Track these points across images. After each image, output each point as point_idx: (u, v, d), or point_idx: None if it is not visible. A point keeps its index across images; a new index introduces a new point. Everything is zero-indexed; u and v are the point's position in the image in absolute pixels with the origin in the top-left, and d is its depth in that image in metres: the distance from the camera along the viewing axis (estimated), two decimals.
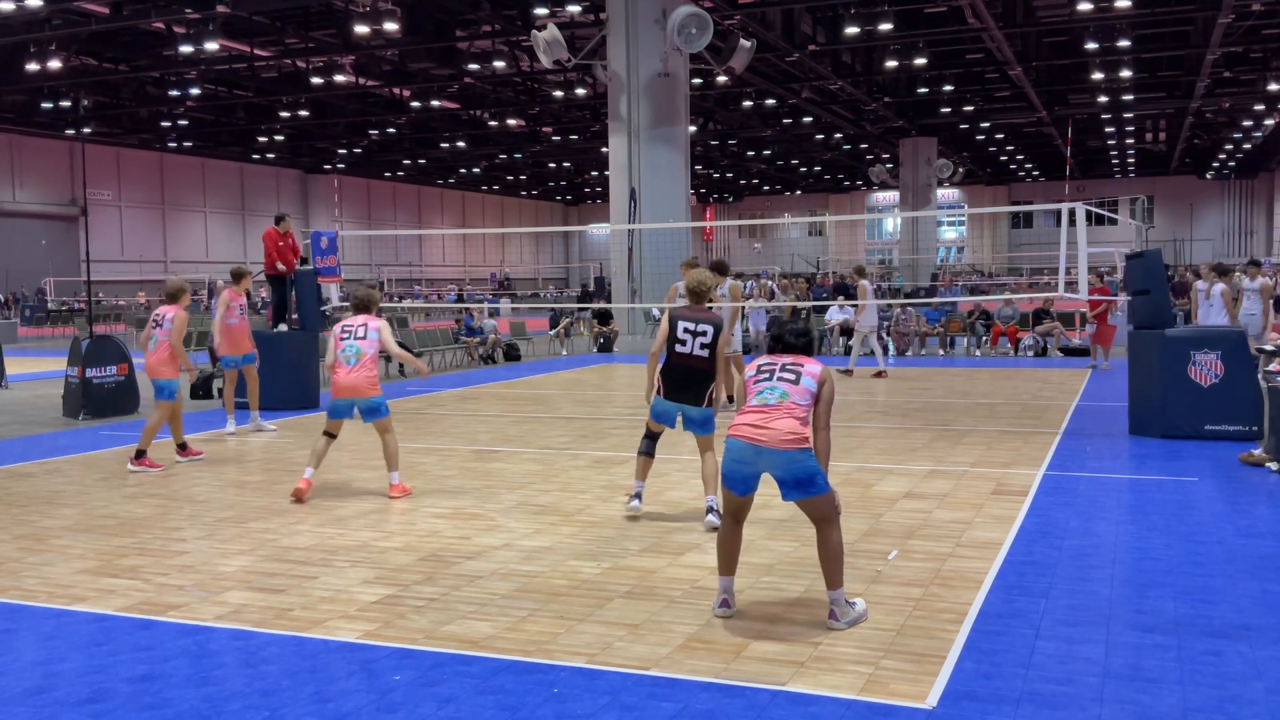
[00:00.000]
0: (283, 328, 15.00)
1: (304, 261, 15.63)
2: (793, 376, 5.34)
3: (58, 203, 50.61)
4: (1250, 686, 4.46)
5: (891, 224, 70.64)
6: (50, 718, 4.32)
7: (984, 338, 22.61)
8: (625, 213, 23.60)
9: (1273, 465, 9.04)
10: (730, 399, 13.16)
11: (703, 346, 7.12)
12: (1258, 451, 9.35)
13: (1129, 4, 27.30)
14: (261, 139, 49.42)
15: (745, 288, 35.22)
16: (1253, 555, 6.47)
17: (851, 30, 29.32)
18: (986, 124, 48.48)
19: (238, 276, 12.34)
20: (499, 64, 34.24)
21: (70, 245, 50.57)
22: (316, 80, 36.21)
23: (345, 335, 8.51)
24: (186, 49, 28.17)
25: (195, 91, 37.19)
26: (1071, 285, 12.89)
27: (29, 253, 48.80)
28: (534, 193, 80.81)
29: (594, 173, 64.45)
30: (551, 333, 26.12)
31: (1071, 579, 6.01)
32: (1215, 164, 65.35)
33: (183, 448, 10.38)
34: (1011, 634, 5.11)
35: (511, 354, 23.25)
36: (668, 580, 6.10)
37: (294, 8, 28.34)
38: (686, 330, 7.14)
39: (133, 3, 27.17)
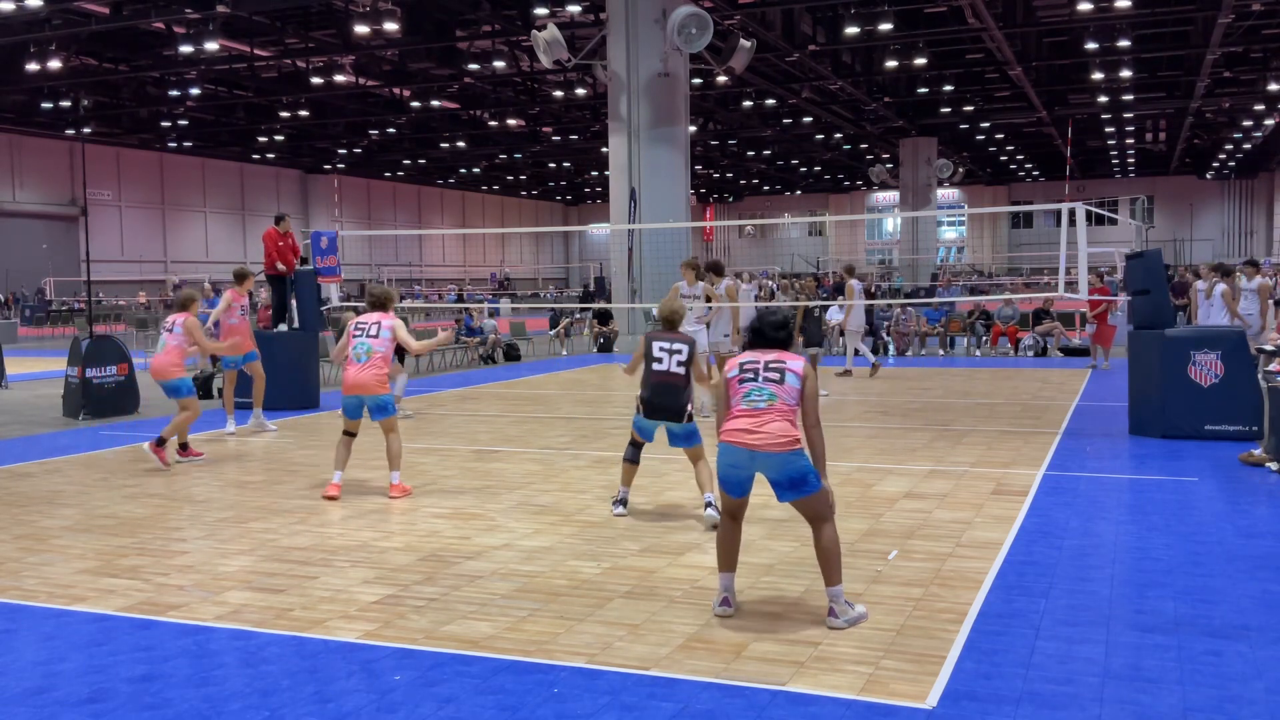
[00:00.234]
0: (282, 328, 15.00)
1: (304, 261, 15.63)
2: (777, 376, 5.35)
3: (58, 203, 50.61)
4: (1250, 686, 4.46)
5: (891, 224, 70.63)
6: (50, 718, 4.32)
7: (984, 338, 22.61)
8: (625, 213, 23.60)
9: (1273, 465, 9.04)
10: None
11: (679, 364, 7.37)
12: (1258, 451, 9.36)
13: (1129, 4, 27.29)
14: (261, 139, 49.42)
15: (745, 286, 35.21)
16: (1253, 555, 6.47)
17: (851, 30, 29.30)
18: (986, 124, 48.47)
19: (240, 278, 12.36)
20: (499, 64, 34.24)
21: (70, 245, 50.56)
22: (316, 80, 36.20)
23: (358, 332, 8.54)
24: (186, 49, 28.17)
25: (195, 91, 37.18)
26: (1071, 285, 12.88)
27: (29, 253, 48.79)
28: (534, 193, 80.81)
29: (594, 173, 64.43)
30: (551, 333, 26.12)
31: (1071, 579, 6.01)
32: (1215, 164, 65.35)
33: (184, 448, 10.38)
34: (1011, 634, 5.11)
35: (511, 354, 23.26)
36: (668, 580, 6.10)
37: (294, 8, 28.33)
38: (662, 349, 7.39)
39: (133, 3, 27.16)
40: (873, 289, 35.55)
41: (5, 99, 37.97)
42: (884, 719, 4.19)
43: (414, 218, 72.48)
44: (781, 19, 29.79)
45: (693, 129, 30.65)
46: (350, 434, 8.66)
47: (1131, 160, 66.58)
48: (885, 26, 28.83)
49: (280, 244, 14.92)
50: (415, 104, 41.40)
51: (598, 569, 6.35)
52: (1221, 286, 15.20)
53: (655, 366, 7.39)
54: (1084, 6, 27.20)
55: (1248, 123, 47.81)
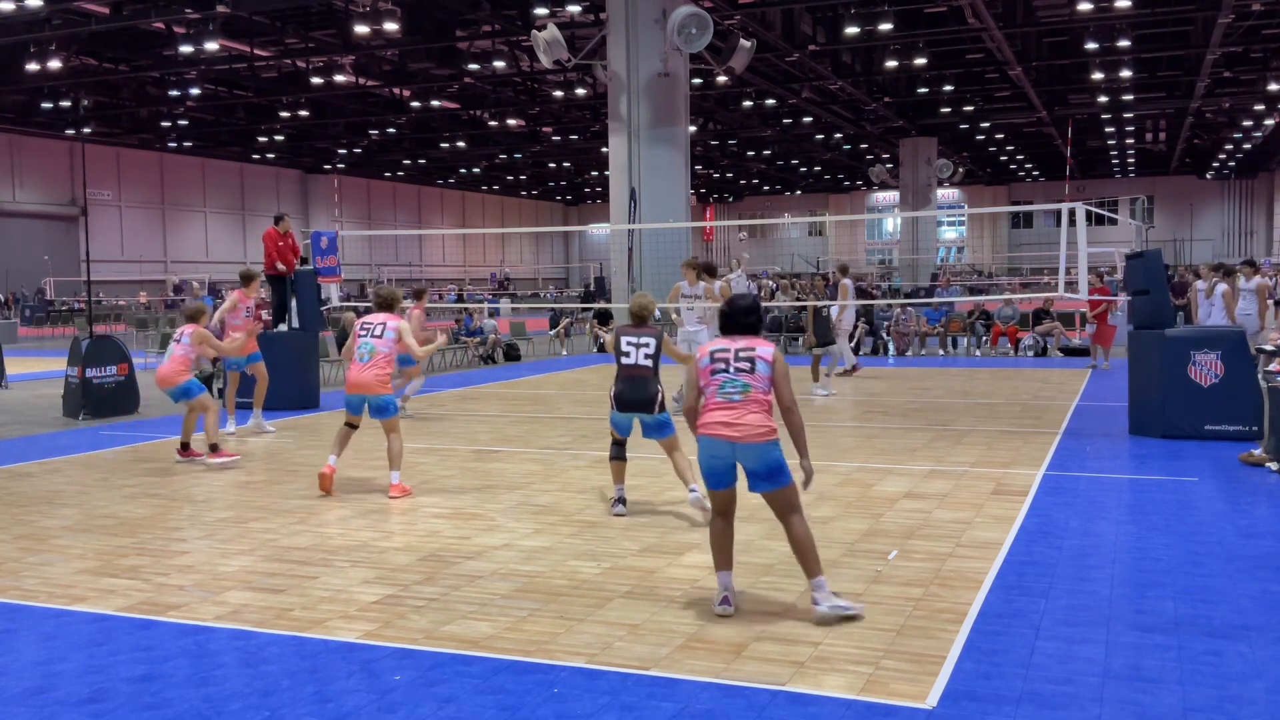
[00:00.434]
0: (282, 328, 15.00)
1: (304, 261, 15.63)
2: (748, 365, 5.41)
3: (58, 203, 50.60)
4: (1250, 686, 4.46)
5: (891, 224, 70.61)
6: (50, 718, 4.32)
7: (984, 338, 22.61)
8: (625, 213, 23.59)
9: (1273, 465, 9.04)
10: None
11: (646, 357, 7.60)
12: (1258, 451, 9.36)
13: (1129, 4, 27.28)
14: (261, 139, 49.40)
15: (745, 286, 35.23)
16: (1253, 555, 6.47)
17: (851, 30, 29.30)
18: (986, 124, 48.46)
19: (247, 279, 12.33)
20: (499, 64, 34.23)
21: (70, 245, 50.56)
22: (316, 80, 36.19)
23: (364, 332, 8.64)
24: (186, 49, 28.16)
25: (195, 91, 37.18)
26: (1071, 285, 12.88)
27: (29, 253, 48.78)
28: (534, 193, 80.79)
29: (594, 173, 64.42)
30: (551, 333, 26.12)
31: (1071, 579, 6.01)
32: (1215, 164, 65.33)
33: (184, 448, 10.39)
34: (1011, 634, 5.11)
35: (511, 354, 23.26)
36: (668, 580, 6.10)
37: (294, 8, 28.32)
38: (630, 344, 7.63)
39: (133, 3, 27.16)
40: (872, 289, 35.59)
41: (5, 99, 37.96)
42: (884, 719, 4.19)
43: (414, 218, 72.47)
44: (781, 19, 29.78)
45: (693, 129, 30.64)
46: (352, 426, 8.80)
47: (1131, 160, 66.56)
48: (885, 26, 28.83)
49: (280, 244, 14.92)
50: (415, 104, 41.39)
51: (598, 569, 6.35)
52: (1222, 287, 15.20)
53: (624, 360, 7.64)
54: (1084, 6, 27.19)
55: (1248, 123, 47.80)
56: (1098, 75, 36.02)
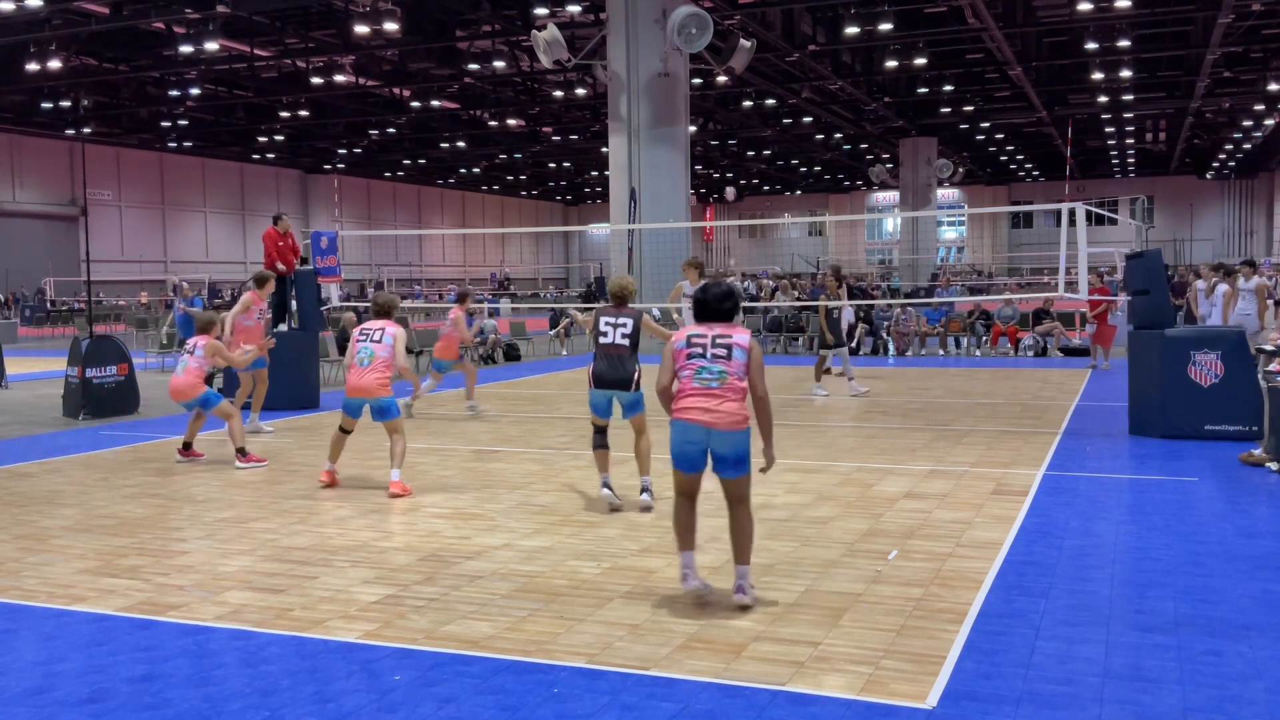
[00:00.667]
0: (282, 328, 15.00)
1: (304, 261, 15.64)
2: (724, 352, 5.50)
3: (58, 203, 50.60)
4: (1250, 686, 4.46)
5: (891, 224, 70.60)
6: (50, 718, 4.32)
7: (984, 338, 22.61)
8: (625, 213, 23.59)
9: (1273, 465, 9.04)
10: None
11: (624, 336, 7.80)
12: (1258, 451, 9.36)
13: (1129, 4, 27.28)
14: (261, 139, 49.40)
15: (746, 286, 35.29)
16: (1253, 555, 6.47)
17: (851, 30, 29.29)
18: (986, 124, 48.46)
19: (261, 281, 12.21)
20: (499, 64, 34.22)
21: (70, 245, 50.55)
22: (316, 80, 36.19)
23: (362, 338, 8.80)
24: (186, 49, 28.16)
25: (195, 91, 37.17)
26: (1071, 285, 12.88)
27: (29, 253, 48.78)
28: (534, 193, 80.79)
29: (594, 173, 64.41)
30: (551, 333, 26.12)
31: (1071, 579, 6.01)
32: (1215, 164, 65.32)
33: (186, 447, 10.40)
34: (1011, 634, 5.11)
35: (511, 354, 23.26)
36: (668, 580, 6.10)
37: (294, 8, 28.32)
38: (608, 324, 7.83)
39: (133, 3, 27.16)
40: (872, 289, 35.58)
41: (5, 99, 37.96)
42: (884, 719, 4.19)
43: (414, 218, 72.46)
44: (781, 19, 29.78)
45: (693, 129, 30.63)
46: (346, 431, 8.97)
47: (1131, 160, 66.55)
48: (885, 26, 28.82)
49: (280, 244, 14.94)
50: (415, 104, 41.38)
51: (598, 569, 6.35)
52: (1223, 287, 15.22)
53: (602, 340, 7.82)
54: (1084, 6, 27.19)
55: (1248, 123, 47.79)
56: (1098, 75, 36.01)
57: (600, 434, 8.01)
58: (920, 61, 33.65)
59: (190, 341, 10.47)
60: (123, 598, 5.91)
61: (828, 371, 17.76)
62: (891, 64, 33.75)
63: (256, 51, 32.30)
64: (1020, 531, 7.09)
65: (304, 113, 41.59)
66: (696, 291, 5.83)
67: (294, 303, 14.92)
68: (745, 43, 24.64)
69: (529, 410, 14.30)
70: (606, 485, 7.95)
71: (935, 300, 25.80)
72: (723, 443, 5.43)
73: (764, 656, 4.85)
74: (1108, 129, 51.85)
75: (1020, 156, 63.50)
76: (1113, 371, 17.30)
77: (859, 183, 72.72)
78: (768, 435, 5.59)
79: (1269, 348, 9.99)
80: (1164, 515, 7.54)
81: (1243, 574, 6.08)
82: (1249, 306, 15.12)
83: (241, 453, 10.06)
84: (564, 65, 26.13)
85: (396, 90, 39.81)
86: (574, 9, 27.97)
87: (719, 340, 5.51)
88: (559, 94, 39.55)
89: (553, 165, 63.07)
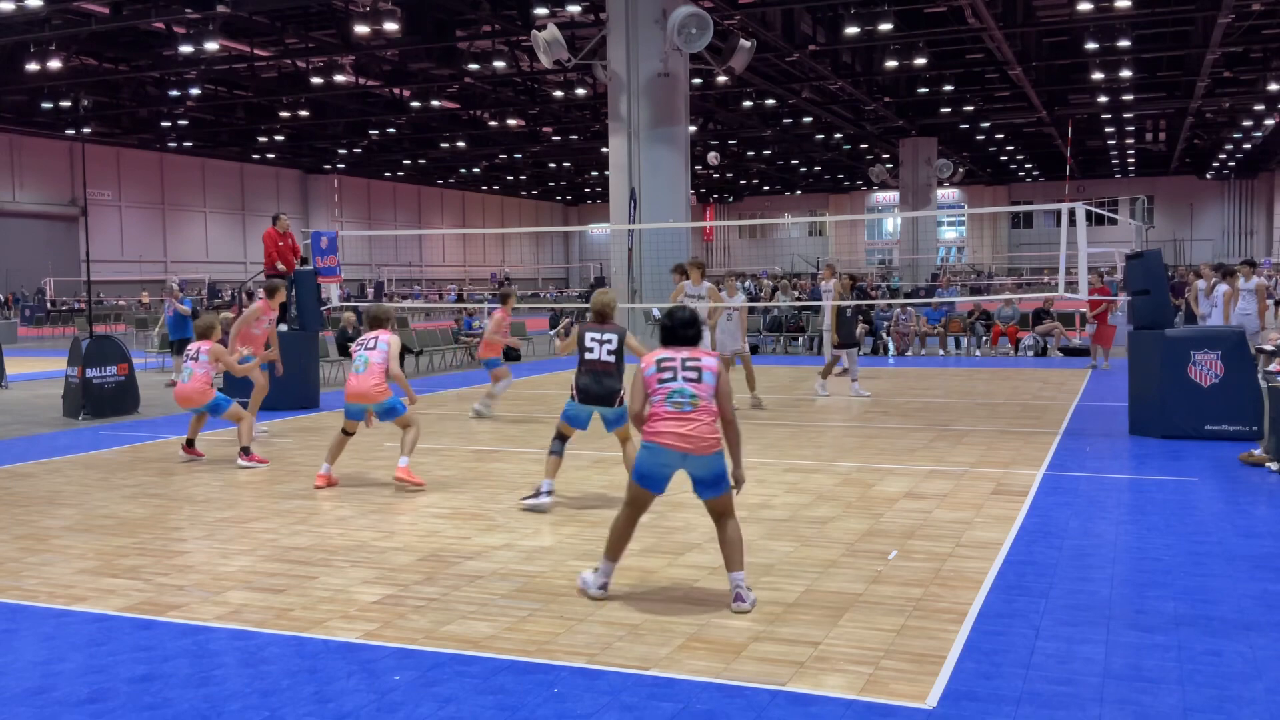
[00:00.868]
0: (282, 328, 14.98)
1: (304, 261, 15.64)
2: (695, 375, 5.62)
3: (58, 203, 50.59)
4: (1250, 686, 4.46)
5: (891, 224, 70.61)
6: (50, 718, 4.32)
7: (984, 338, 22.62)
8: (625, 213, 23.58)
9: (1273, 465, 9.04)
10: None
11: (609, 353, 7.86)
12: (1258, 451, 9.36)
13: (1129, 4, 27.27)
14: (261, 139, 49.39)
15: (747, 286, 35.32)
16: (1253, 555, 6.47)
17: (851, 30, 29.28)
18: (986, 124, 48.43)
19: (272, 291, 11.92)
20: (499, 64, 34.21)
21: (70, 245, 50.55)
22: (316, 80, 36.18)
23: (359, 348, 9.04)
24: (186, 49, 28.15)
25: (195, 91, 37.16)
26: (1072, 285, 12.88)
27: (29, 253, 48.77)
28: (534, 193, 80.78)
29: (594, 173, 64.40)
30: (551, 333, 26.11)
31: (1071, 579, 6.01)
32: (1215, 164, 65.31)
33: (189, 444, 10.40)
34: (1011, 634, 5.11)
35: (511, 354, 23.25)
36: (668, 580, 6.10)
37: (294, 8, 28.31)
38: (594, 339, 7.85)
39: (133, 3, 27.14)
40: (872, 289, 35.55)
41: (5, 99, 37.95)
42: (884, 719, 4.19)
43: (414, 218, 72.45)
44: (781, 19, 29.77)
45: (693, 129, 30.63)
46: (348, 433, 9.12)
47: (1131, 160, 66.53)
48: (885, 26, 28.81)
49: (280, 244, 14.94)
50: (415, 104, 41.37)
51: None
52: (1224, 287, 15.22)
53: (587, 355, 7.84)
54: (1084, 6, 27.17)
55: (1248, 123, 47.78)
56: (1098, 75, 36.00)
57: (561, 442, 8.07)
58: (920, 61, 33.63)
59: (192, 347, 10.44)
60: (123, 598, 5.91)
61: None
62: (891, 64, 33.73)
63: (256, 51, 32.30)
64: (1020, 531, 7.09)
65: (304, 113, 41.58)
66: (664, 317, 5.93)
67: (293, 305, 14.90)
68: (745, 43, 24.63)
69: (529, 410, 14.30)
70: (549, 493, 7.94)
71: (935, 300, 25.81)
72: (699, 466, 5.55)
73: (764, 656, 4.85)
74: (1108, 129, 51.84)
75: (1020, 156, 63.49)
76: (1113, 371, 17.30)
77: (859, 183, 72.70)
78: (737, 457, 5.73)
79: (1269, 348, 9.99)
80: (1164, 515, 7.54)
81: (1243, 574, 6.08)
82: (1249, 306, 15.13)
83: (245, 451, 10.09)
84: (564, 65, 26.10)
85: (396, 90, 39.79)
86: (574, 9, 27.97)
87: (689, 364, 5.65)
88: (559, 94, 39.54)
89: (553, 165, 63.06)
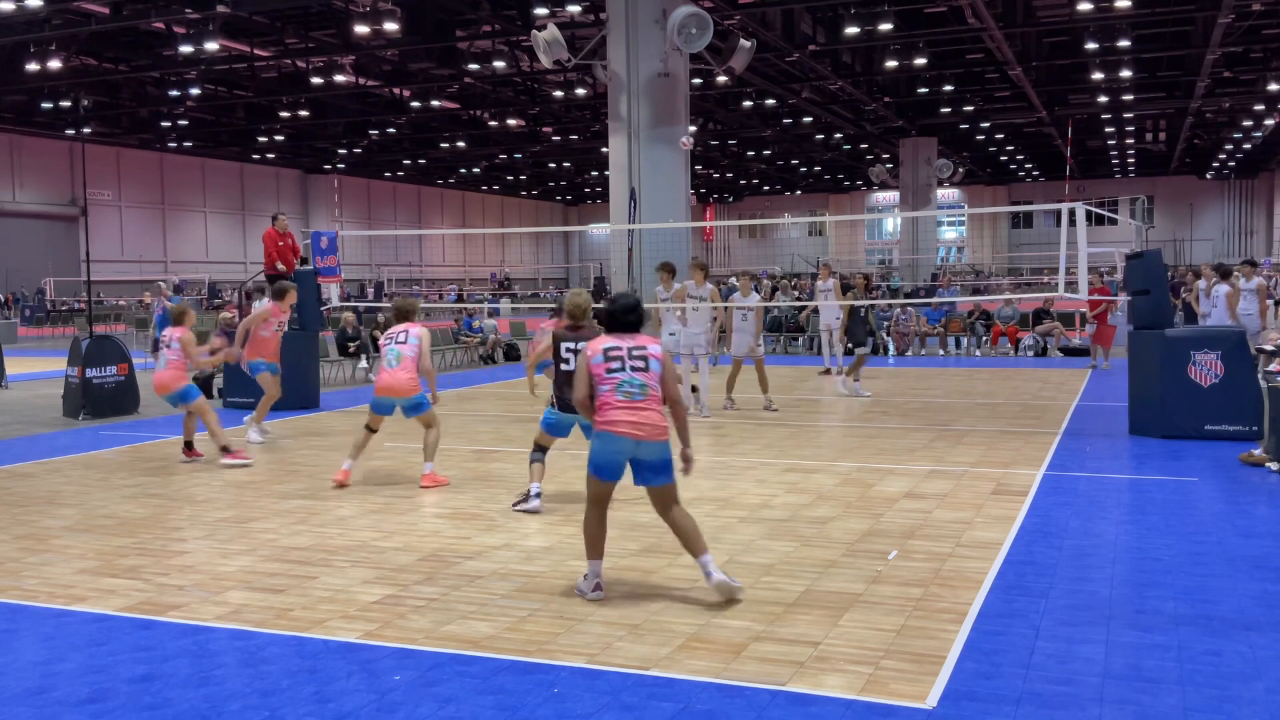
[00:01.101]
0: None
1: (304, 261, 15.63)
2: (643, 363, 5.73)
3: (58, 203, 50.58)
4: (1250, 686, 4.46)
5: (891, 224, 70.60)
6: (50, 718, 4.32)
7: (984, 338, 22.62)
8: (625, 213, 23.58)
9: (1273, 465, 9.04)
10: (694, 389, 13.23)
11: None
12: (1258, 451, 9.35)
13: (1129, 4, 27.26)
14: (261, 139, 49.37)
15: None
16: (1253, 555, 6.47)
17: (851, 30, 29.28)
18: (986, 124, 48.42)
19: (281, 293, 11.79)
20: (499, 64, 34.20)
21: (70, 245, 50.53)
22: (316, 80, 36.17)
23: (388, 341, 9.02)
24: (186, 49, 28.13)
25: (195, 91, 37.14)
26: (1072, 285, 12.88)
27: (29, 253, 48.76)
28: (534, 193, 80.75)
29: (594, 173, 64.38)
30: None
31: (1071, 579, 6.01)
32: (1215, 164, 65.29)
33: (188, 447, 10.41)
34: (1011, 634, 5.11)
35: (511, 354, 23.26)
36: (668, 580, 6.10)
37: (294, 8, 28.30)
38: (568, 349, 7.64)
39: (133, 3, 27.14)
40: (872, 288, 35.53)
41: (5, 99, 37.93)
42: (884, 719, 4.19)
43: (414, 218, 72.44)
44: (781, 19, 29.76)
45: (693, 129, 30.60)
46: (372, 429, 9.08)
47: (1131, 160, 66.51)
48: (885, 26, 28.80)
49: (280, 244, 14.93)
50: (415, 104, 41.36)
51: None
52: (1225, 288, 15.22)
53: (563, 367, 7.65)
54: (1084, 6, 27.16)
55: (1248, 123, 47.76)
56: (1098, 75, 35.99)
57: (542, 451, 8.07)
58: (920, 61, 33.63)
59: (165, 334, 10.45)
60: (123, 598, 5.91)
61: (831, 372, 17.77)
62: (891, 64, 33.72)
63: (256, 51, 32.29)
64: (1020, 531, 7.09)
65: (304, 113, 41.57)
66: (605, 304, 5.99)
67: (293, 306, 14.89)
68: (745, 43, 24.62)
69: (529, 410, 14.29)
70: (538, 494, 7.98)
71: (935, 300, 25.80)
72: (651, 452, 5.65)
73: (764, 656, 4.85)
74: (1108, 129, 51.82)
75: (1020, 156, 63.48)
76: (1113, 371, 17.30)
77: (859, 183, 72.68)
78: (685, 435, 5.85)
79: (1269, 348, 9.99)
80: (1164, 515, 7.54)
81: (1243, 574, 6.08)
82: (1250, 306, 15.13)
83: (226, 450, 10.10)
84: (564, 65, 26.08)
85: (396, 90, 39.78)
86: (574, 9, 27.97)
87: (635, 352, 5.73)
88: (559, 94, 39.53)
89: (553, 165, 63.04)
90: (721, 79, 34.31)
